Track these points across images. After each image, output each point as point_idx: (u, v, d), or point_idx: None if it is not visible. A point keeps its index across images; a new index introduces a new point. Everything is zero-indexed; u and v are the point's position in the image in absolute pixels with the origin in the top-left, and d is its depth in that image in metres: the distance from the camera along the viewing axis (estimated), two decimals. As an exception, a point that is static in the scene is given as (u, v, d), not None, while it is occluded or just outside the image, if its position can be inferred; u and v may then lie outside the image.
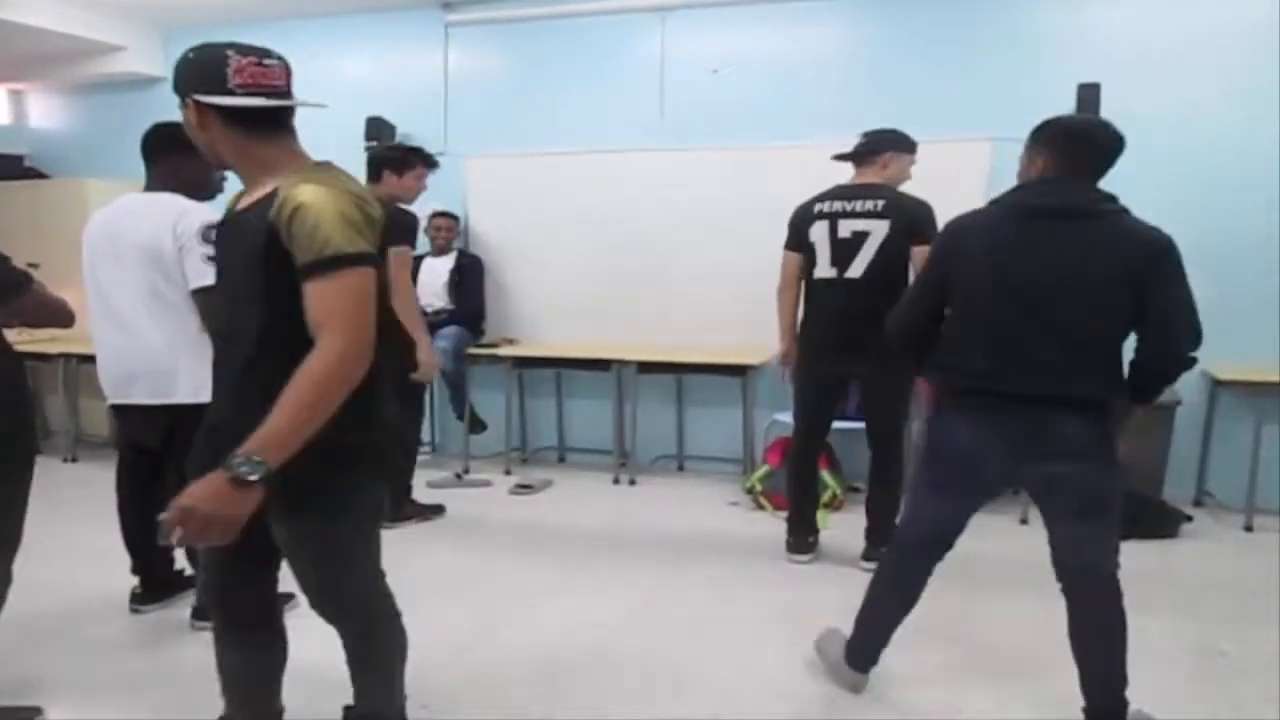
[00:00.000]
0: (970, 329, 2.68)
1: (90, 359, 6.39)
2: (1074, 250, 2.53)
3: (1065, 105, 5.11)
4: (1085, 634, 2.68)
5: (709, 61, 5.95)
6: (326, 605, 2.14)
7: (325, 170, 1.95)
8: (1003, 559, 4.30)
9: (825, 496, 4.98)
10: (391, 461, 3.81)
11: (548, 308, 6.34)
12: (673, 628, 3.59)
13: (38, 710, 2.89)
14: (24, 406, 2.77)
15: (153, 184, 3.40)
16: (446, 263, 6.14)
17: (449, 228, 6.21)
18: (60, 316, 2.95)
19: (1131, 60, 5.20)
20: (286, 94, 1.96)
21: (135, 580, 3.74)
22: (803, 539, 4.41)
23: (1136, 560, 4.35)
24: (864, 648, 3.00)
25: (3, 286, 2.72)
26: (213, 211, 3.31)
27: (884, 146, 4.19)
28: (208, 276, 3.18)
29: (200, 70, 1.89)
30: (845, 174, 4.26)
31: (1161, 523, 4.74)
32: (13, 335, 2.79)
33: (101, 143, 7.39)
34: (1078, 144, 2.62)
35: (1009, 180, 5.66)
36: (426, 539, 4.67)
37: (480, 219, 6.46)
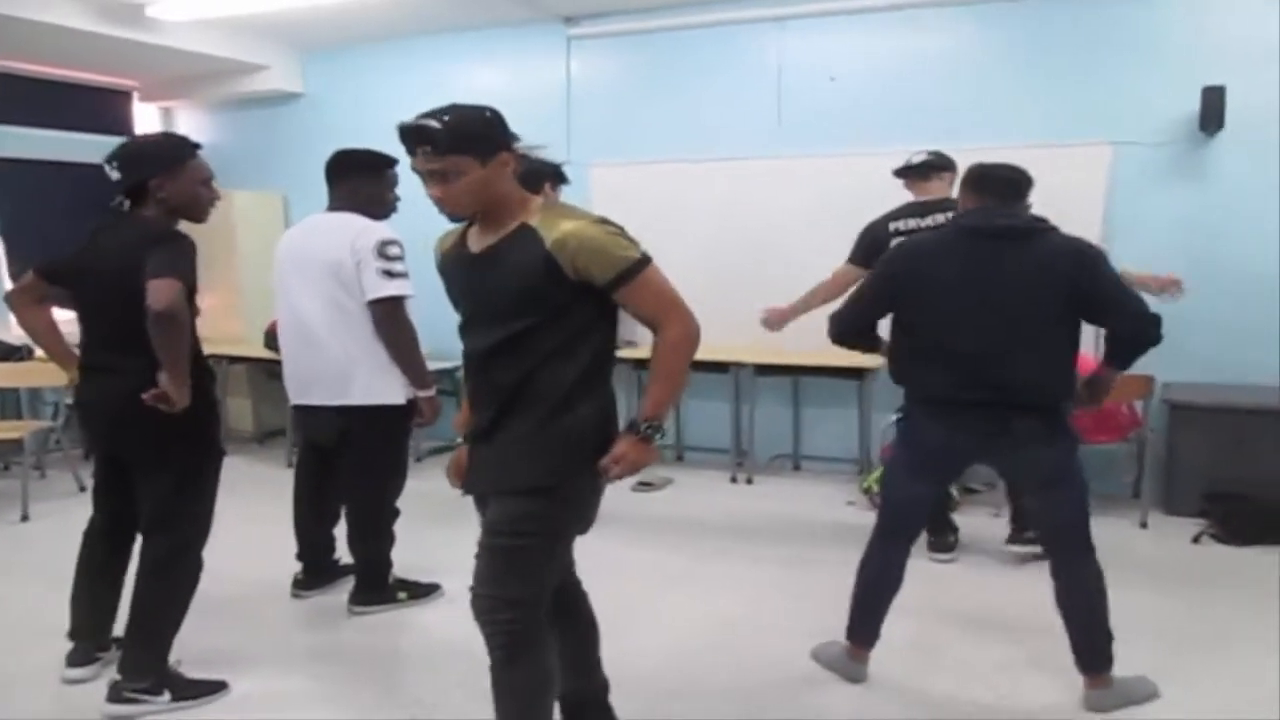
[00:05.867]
0: (935, 343, 2.96)
1: (238, 360, 6.88)
2: (1019, 267, 2.84)
3: (1189, 108, 5.08)
4: (1068, 591, 2.96)
5: (826, 69, 6.02)
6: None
7: (565, 208, 2.28)
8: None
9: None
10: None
11: (666, 310, 6.44)
12: (795, 625, 3.69)
13: (223, 684, 3.19)
14: (216, 413, 3.11)
15: (334, 203, 3.72)
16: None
17: (573, 234, 6.40)
18: (173, 362, 2.76)
19: (1256, 62, 5.04)
20: None
21: (296, 568, 4.05)
22: (944, 538, 4.45)
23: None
24: (862, 629, 3.21)
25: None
26: (388, 229, 3.59)
27: (945, 165, 4.43)
28: (383, 289, 3.46)
29: (505, 127, 2.18)
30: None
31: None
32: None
33: (245, 156, 7.74)
34: (993, 183, 3.02)
35: (1130, 185, 5.62)
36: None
37: (601, 225, 6.62)
